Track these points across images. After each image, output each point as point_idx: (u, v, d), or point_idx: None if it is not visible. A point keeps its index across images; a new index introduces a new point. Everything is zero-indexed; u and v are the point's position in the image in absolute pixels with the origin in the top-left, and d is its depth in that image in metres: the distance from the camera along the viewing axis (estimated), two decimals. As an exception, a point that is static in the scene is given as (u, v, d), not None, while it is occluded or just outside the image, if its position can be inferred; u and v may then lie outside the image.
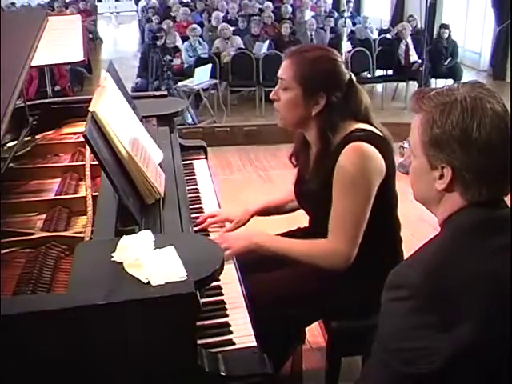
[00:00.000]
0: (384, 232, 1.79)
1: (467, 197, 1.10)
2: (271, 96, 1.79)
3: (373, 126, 1.76)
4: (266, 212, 2.12)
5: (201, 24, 8.68)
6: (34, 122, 2.48)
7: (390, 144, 1.76)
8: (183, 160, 2.25)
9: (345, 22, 8.13)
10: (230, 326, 1.46)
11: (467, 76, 7.78)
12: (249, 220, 2.05)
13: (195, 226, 1.95)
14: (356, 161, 1.65)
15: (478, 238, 1.08)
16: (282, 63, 1.77)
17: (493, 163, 1.07)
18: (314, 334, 2.35)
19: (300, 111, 1.74)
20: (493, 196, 1.10)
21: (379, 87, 7.94)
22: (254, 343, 1.39)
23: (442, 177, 1.11)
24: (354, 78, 1.78)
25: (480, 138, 1.06)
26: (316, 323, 2.02)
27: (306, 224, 2.10)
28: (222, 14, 9.04)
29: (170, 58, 6.87)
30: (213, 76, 6.94)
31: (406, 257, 1.88)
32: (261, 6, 9.78)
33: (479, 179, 1.08)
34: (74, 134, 2.43)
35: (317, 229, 1.91)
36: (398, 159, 4.53)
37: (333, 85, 1.71)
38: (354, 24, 9.41)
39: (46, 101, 2.73)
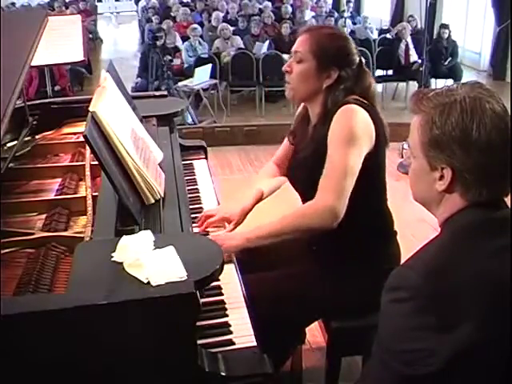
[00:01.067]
0: (374, 212, 1.80)
1: (467, 197, 1.10)
2: (284, 68, 1.83)
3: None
4: (259, 202, 2.08)
5: (201, 24, 8.68)
6: (34, 122, 2.48)
7: (383, 121, 1.79)
8: (183, 160, 2.25)
9: (345, 22, 8.14)
10: (229, 326, 1.46)
11: (467, 76, 7.78)
12: (245, 218, 2.02)
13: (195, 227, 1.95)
14: (346, 117, 1.70)
15: (479, 238, 1.08)
16: (298, 38, 1.83)
17: (493, 163, 1.07)
18: (314, 334, 2.35)
19: (312, 83, 1.79)
20: (493, 196, 1.10)
21: (379, 87, 7.92)
22: (254, 343, 1.39)
23: (442, 178, 1.11)
24: (363, 61, 1.83)
25: (480, 138, 1.06)
26: (316, 323, 2.02)
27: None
28: (221, 14, 9.05)
29: (169, 58, 6.88)
30: (213, 76, 6.95)
31: (404, 256, 1.89)
32: (261, 6, 9.78)
33: (479, 180, 1.08)
34: (74, 133, 2.43)
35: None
36: (398, 159, 4.56)
37: (345, 61, 1.78)
38: (354, 24, 9.41)
39: (46, 101, 2.73)
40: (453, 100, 1.09)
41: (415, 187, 1.20)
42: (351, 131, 1.68)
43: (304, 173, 1.84)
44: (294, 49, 1.82)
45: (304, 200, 1.93)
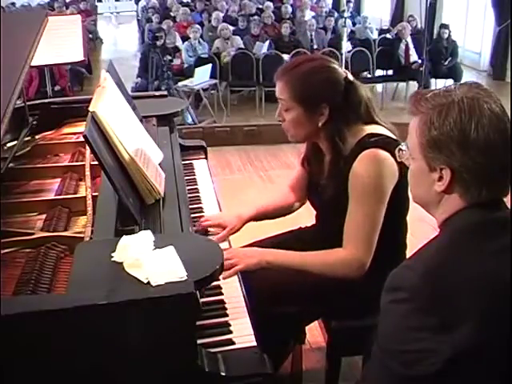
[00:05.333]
0: (392, 237, 1.78)
1: (467, 198, 1.10)
2: (277, 118, 1.79)
3: (379, 124, 1.76)
4: (259, 218, 2.06)
5: (201, 24, 8.68)
6: (34, 122, 2.48)
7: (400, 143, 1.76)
8: (183, 160, 2.25)
9: (345, 22, 8.12)
10: (229, 325, 1.46)
11: (467, 76, 7.78)
12: (242, 227, 1.99)
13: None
14: (371, 167, 1.65)
15: (478, 239, 1.08)
16: (277, 84, 1.75)
17: (492, 163, 1.07)
18: (314, 333, 2.35)
19: (307, 127, 1.74)
20: (492, 197, 1.10)
21: (379, 87, 7.94)
22: (254, 343, 1.39)
23: (441, 178, 1.11)
24: (350, 77, 1.75)
25: (478, 138, 1.06)
26: (316, 323, 2.02)
27: (307, 224, 2.10)
28: (221, 14, 9.04)
29: (169, 58, 6.88)
30: (213, 76, 6.94)
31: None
32: (261, 6, 9.77)
33: (478, 180, 1.08)
34: (74, 133, 2.44)
35: (323, 227, 1.92)
36: (397, 159, 4.55)
37: (332, 92, 1.70)
38: (353, 24, 9.40)
39: (46, 101, 2.73)
40: (450, 100, 1.09)
41: (414, 189, 1.20)
42: (379, 185, 1.65)
43: (335, 211, 1.78)
44: (277, 95, 1.75)
45: (318, 220, 1.96)
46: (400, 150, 1.23)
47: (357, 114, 1.74)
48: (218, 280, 1.54)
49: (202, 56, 7.32)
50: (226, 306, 1.55)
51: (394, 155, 1.65)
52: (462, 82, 1.19)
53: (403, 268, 1.11)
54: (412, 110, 1.15)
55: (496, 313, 1.03)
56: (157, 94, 2.93)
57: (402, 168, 1.68)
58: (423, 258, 1.10)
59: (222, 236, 1.94)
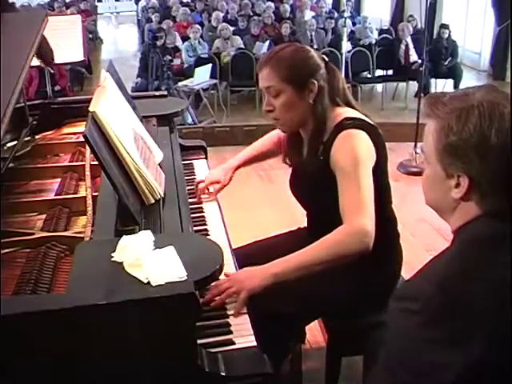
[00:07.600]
0: (379, 222, 1.79)
1: (483, 206, 1.06)
2: (264, 109, 1.82)
3: (356, 109, 1.82)
4: (247, 164, 2.26)
5: (201, 24, 8.68)
6: (34, 122, 2.48)
7: (378, 129, 1.80)
8: (183, 160, 2.25)
9: (345, 22, 8.12)
10: (229, 325, 1.46)
11: (467, 76, 7.79)
12: (233, 175, 2.19)
13: (192, 196, 2.06)
14: (347, 144, 1.71)
15: (493, 249, 1.04)
16: (260, 75, 1.80)
17: (510, 170, 1.03)
18: (314, 333, 2.35)
19: (299, 107, 1.78)
20: (508, 205, 1.05)
21: (379, 87, 7.94)
22: (254, 343, 1.39)
23: (458, 185, 1.07)
24: (326, 58, 1.83)
25: (498, 143, 1.02)
26: (316, 323, 2.02)
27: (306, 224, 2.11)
28: (221, 14, 9.04)
29: (169, 58, 6.87)
30: (213, 76, 6.95)
31: (405, 255, 1.89)
32: (264, 6, 9.76)
33: (496, 187, 1.04)
34: (74, 134, 2.44)
35: (314, 223, 1.94)
36: (398, 159, 4.56)
37: (316, 69, 1.77)
38: (353, 24, 9.40)
39: (46, 101, 2.73)
40: (470, 105, 1.04)
41: (429, 193, 1.17)
42: (357, 156, 1.68)
43: (310, 190, 1.86)
44: (263, 86, 1.79)
45: (309, 214, 1.97)
46: (415, 152, 1.21)
47: (337, 93, 1.81)
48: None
49: (202, 56, 7.32)
50: (226, 305, 1.55)
51: (367, 134, 1.73)
52: (480, 85, 1.12)
53: (416, 278, 1.08)
54: (428, 112, 1.10)
55: (508, 326, 0.99)
56: (157, 93, 2.93)
57: (379, 148, 1.75)
58: (435, 268, 1.07)
59: (216, 190, 2.14)
